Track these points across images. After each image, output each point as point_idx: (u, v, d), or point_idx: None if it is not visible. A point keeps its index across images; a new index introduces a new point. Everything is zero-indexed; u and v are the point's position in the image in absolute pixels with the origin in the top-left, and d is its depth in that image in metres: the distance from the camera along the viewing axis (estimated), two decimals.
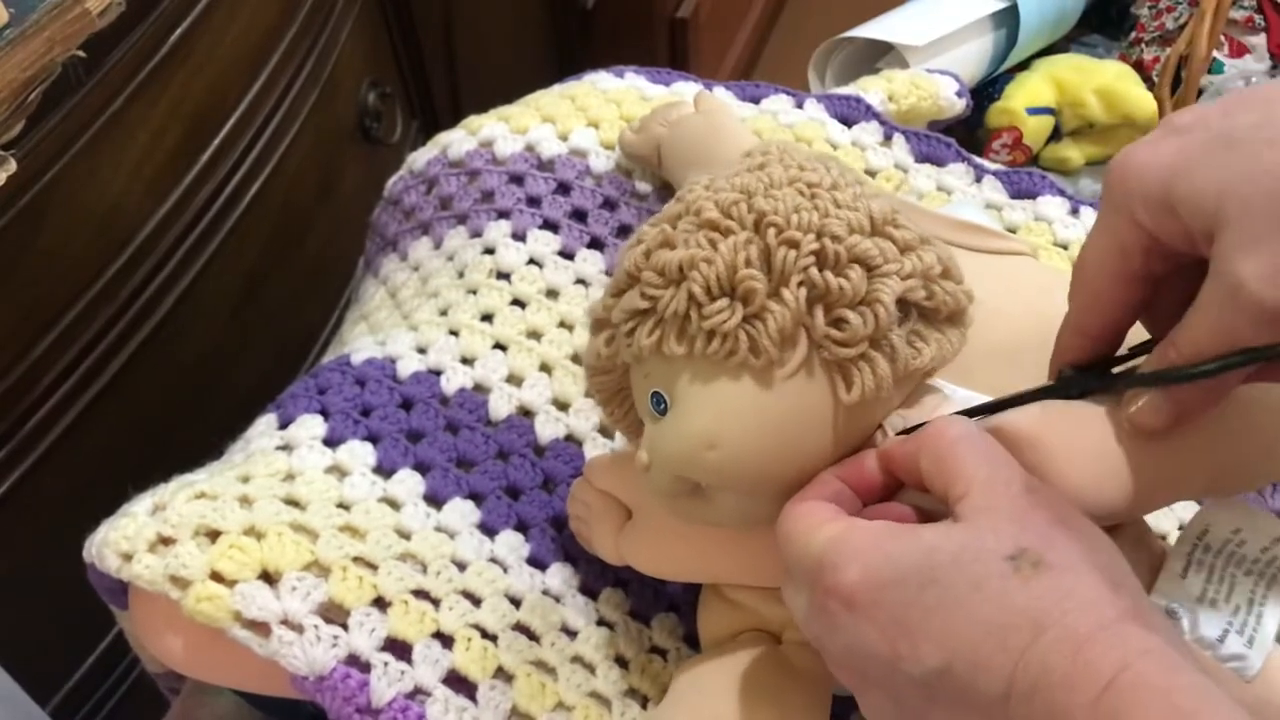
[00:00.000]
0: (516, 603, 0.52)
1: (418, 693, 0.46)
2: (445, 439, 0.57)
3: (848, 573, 0.34)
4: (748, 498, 0.41)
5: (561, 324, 0.62)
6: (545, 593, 0.53)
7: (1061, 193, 0.68)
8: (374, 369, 0.60)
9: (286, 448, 0.55)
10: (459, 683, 0.48)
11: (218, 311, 0.84)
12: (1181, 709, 0.29)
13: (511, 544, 0.54)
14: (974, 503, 0.34)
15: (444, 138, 0.74)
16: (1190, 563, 0.37)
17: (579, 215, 0.68)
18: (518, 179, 0.69)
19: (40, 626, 0.74)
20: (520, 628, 0.51)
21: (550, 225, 0.67)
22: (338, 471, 0.55)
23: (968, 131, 1.04)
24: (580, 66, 0.79)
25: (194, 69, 0.75)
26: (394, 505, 0.54)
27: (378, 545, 0.50)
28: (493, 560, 0.53)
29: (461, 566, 0.52)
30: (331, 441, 0.56)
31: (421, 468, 0.56)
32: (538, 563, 0.54)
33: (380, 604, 0.48)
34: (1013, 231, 0.66)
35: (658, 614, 0.54)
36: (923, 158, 0.70)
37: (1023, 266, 0.55)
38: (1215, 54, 1.02)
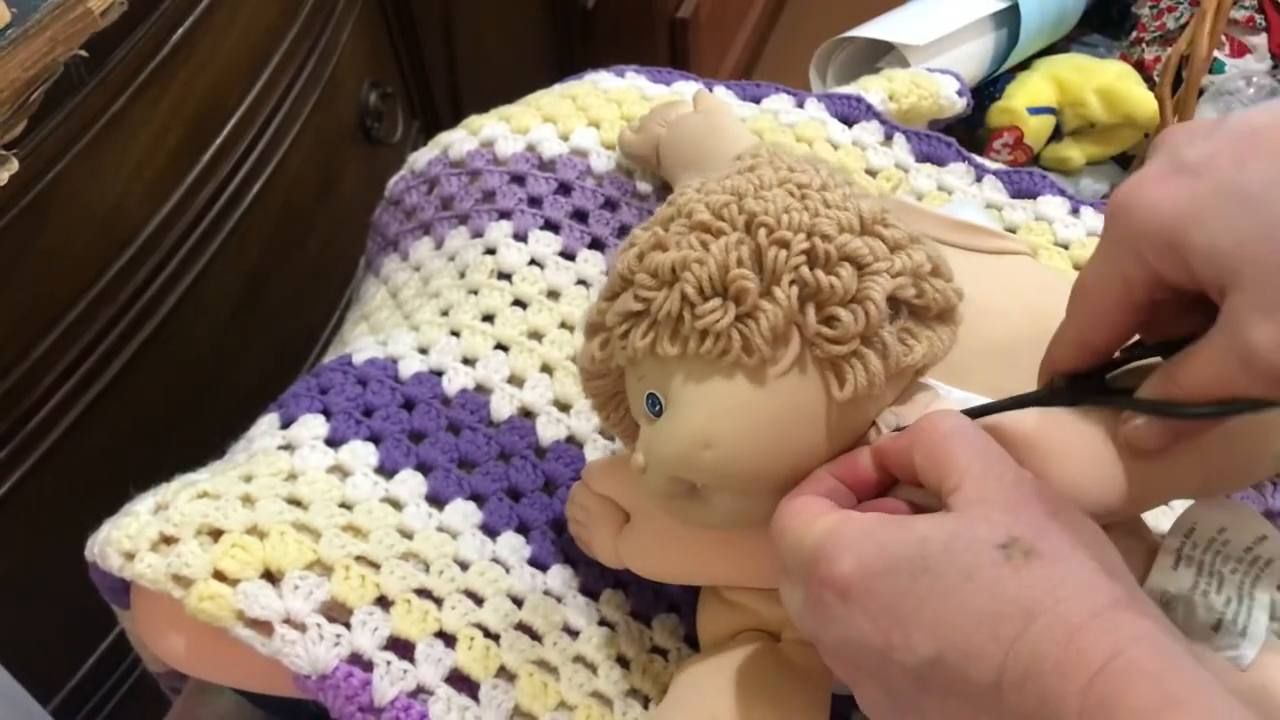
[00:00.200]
0: (519, 602, 0.52)
1: (420, 692, 0.46)
2: (447, 440, 0.57)
3: (841, 563, 0.35)
4: (743, 497, 0.41)
5: (563, 325, 0.62)
6: (547, 593, 0.53)
7: (1062, 192, 0.68)
8: (376, 369, 0.60)
9: (289, 447, 0.55)
10: (461, 682, 0.48)
11: (218, 311, 0.84)
12: (1173, 695, 0.29)
13: (513, 545, 0.54)
14: (967, 494, 0.35)
15: (445, 138, 0.74)
16: (1180, 557, 0.38)
17: (580, 216, 0.68)
18: (519, 179, 0.69)
19: (41, 626, 0.74)
20: (522, 627, 0.51)
21: (551, 226, 0.67)
22: (340, 471, 0.55)
23: (969, 131, 1.04)
24: (581, 66, 0.80)
25: (196, 69, 0.75)
26: (396, 505, 0.54)
27: (380, 545, 0.50)
28: (495, 560, 0.53)
29: (464, 566, 0.52)
30: (334, 441, 0.56)
31: (423, 468, 0.56)
32: (539, 564, 0.54)
33: (383, 603, 0.48)
34: (1013, 231, 0.66)
35: (658, 614, 0.54)
36: (923, 157, 0.70)
37: (1021, 266, 0.55)
38: (1216, 54, 1.02)
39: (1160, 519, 0.45)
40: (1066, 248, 0.65)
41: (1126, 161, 1.07)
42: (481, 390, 0.59)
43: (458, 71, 1.20)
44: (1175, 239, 0.33)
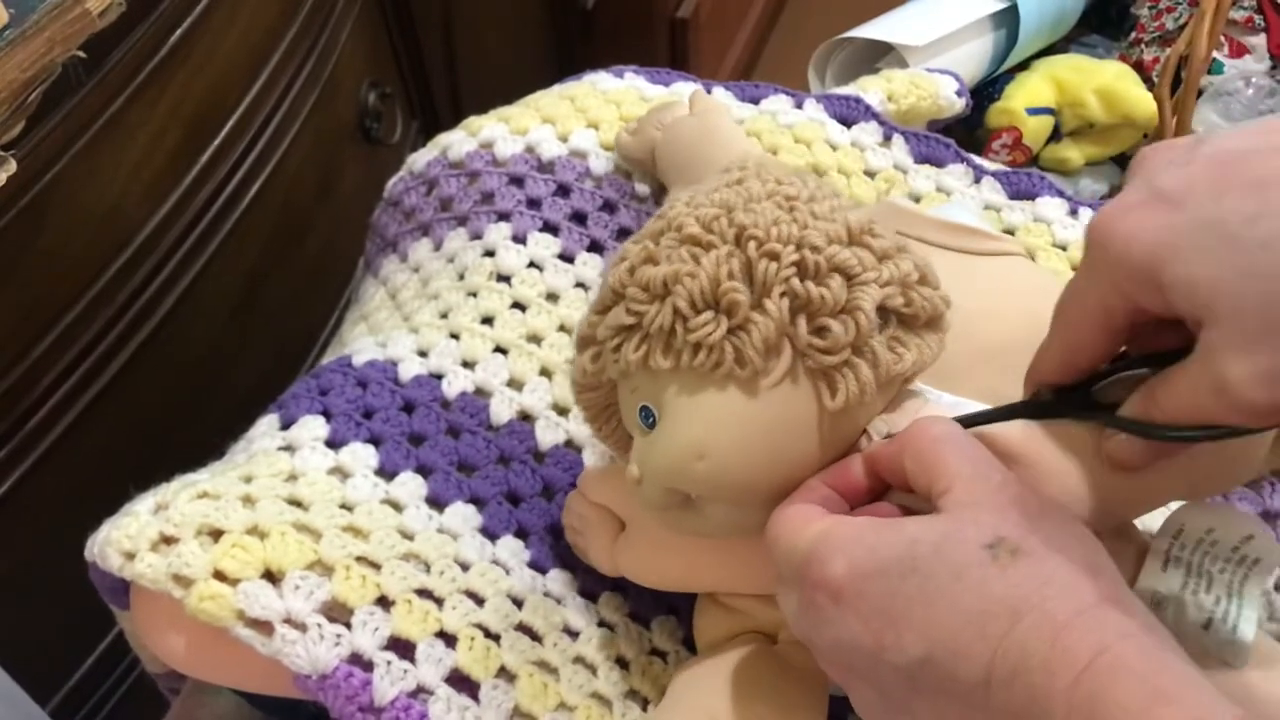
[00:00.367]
0: (519, 603, 0.52)
1: (420, 692, 0.46)
2: (447, 443, 0.57)
3: (833, 565, 0.35)
4: (738, 507, 0.41)
5: (561, 328, 0.62)
6: (547, 594, 0.53)
7: (1060, 193, 0.68)
8: (376, 371, 0.60)
9: (289, 448, 0.55)
10: (461, 682, 0.48)
11: (218, 311, 0.84)
12: (1160, 690, 0.29)
13: (512, 549, 0.55)
14: (956, 497, 0.35)
15: (444, 139, 0.74)
16: (1169, 559, 0.38)
17: (579, 218, 0.68)
18: (518, 180, 0.69)
19: (40, 626, 0.74)
20: (523, 628, 0.51)
21: (550, 228, 0.67)
22: (340, 473, 0.55)
23: (968, 131, 1.04)
24: (580, 66, 0.80)
25: (194, 69, 0.75)
26: (396, 507, 0.54)
27: (381, 545, 0.50)
28: (495, 562, 0.53)
29: (465, 567, 0.52)
30: (334, 443, 0.56)
31: (423, 470, 0.56)
32: (538, 567, 0.54)
33: (383, 603, 0.48)
34: (1011, 233, 0.66)
35: (657, 616, 0.54)
36: (922, 158, 0.70)
37: (1015, 267, 0.55)
38: (1215, 54, 1.02)
39: (1152, 518, 0.45)
40: (1065, 249, 0.65)
41: (1125, 162, 1.08)
42: (481, 393, 0.59)
43: (458, 71, 1.20)
44: (1152, 272, 0.33)
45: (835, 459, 0.40)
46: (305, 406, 0.58)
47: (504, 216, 0.67)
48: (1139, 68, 1.06)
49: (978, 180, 0.69)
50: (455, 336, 0.62)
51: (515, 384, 0.60)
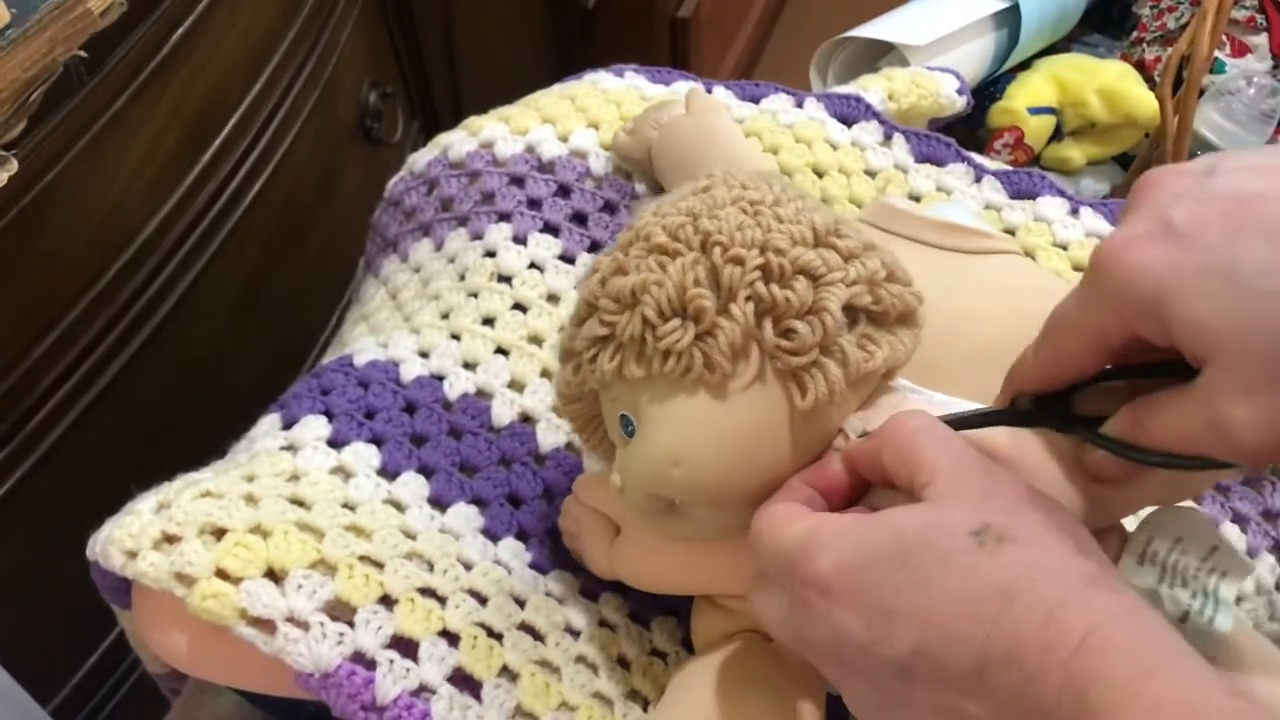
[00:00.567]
0: (521, 603, 0.52)
1: (423, 690, 0.46)
2: (449, 444, 0.57)
3: (822, 561, 0.35)
4: (720, 510, 0.41)
5: (562, 329, 0.62)
6: (548, 594, 0.53)
7: (1061, 193, 0.68)
8: (377, 372, 0.60)
9: (291, 448, 0.55)
10: (464, 681, 0.48)
11: (218, 312, 0.84)
12: (1152, 667, 0.29)
13: (513, 550, 0.55)
14: (938, 487, 0.35)
15: (444, 138, 0.74)
16: (1144, 557, 0.38)
17: (579, 218, 0.68)
18: (518, 181, 0.69)
19: (40, 626, 0.74)
20: (525, 627, 0.51)
21: (551, 229, 0.67)
22: (342, 473, 0.55)
23: (969, 131, 1.05)
24: (581, 66, 0.79)
25: (195, 69, 0.75)
26: (399, 507, 0.54)
27: (384, 544, 0.50)
28: (497, 562, 0.53)
29: (467, 566, 0.52)
30: (336, 443, 0.56)
31: (425, 471, 0.56)
32: (539, 569, 0.55)
33: (387, 602, 0.48)
34: (1012, 232, 0.66)
35: (656, 617, 0.54)
36: (922, 158, 0.70)
37: (1010, 266, 0.55)
38: (1217, 54, 1.02)
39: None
40: (1065, 248, 0.65)
41: (1127, 161, 1.08)
42: (482, 395, 0.59)
43: (458, 71, 1.20)
44: (1158, 307, 0.33)
45: (812, 459, 0.41)
46: (307, 406, 0.58)
47: (505, 217, 0.67)
48: (1141, 67, 1.06)
49: (978, 179, 0.69)
50: (456, 337, 0.62)
51: (516, 385, 0.60)
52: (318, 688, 0.45)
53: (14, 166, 0.55)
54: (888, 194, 0.68)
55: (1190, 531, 0.38)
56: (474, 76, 1.22)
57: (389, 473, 0.55)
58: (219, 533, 0.48)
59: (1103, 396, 0.38)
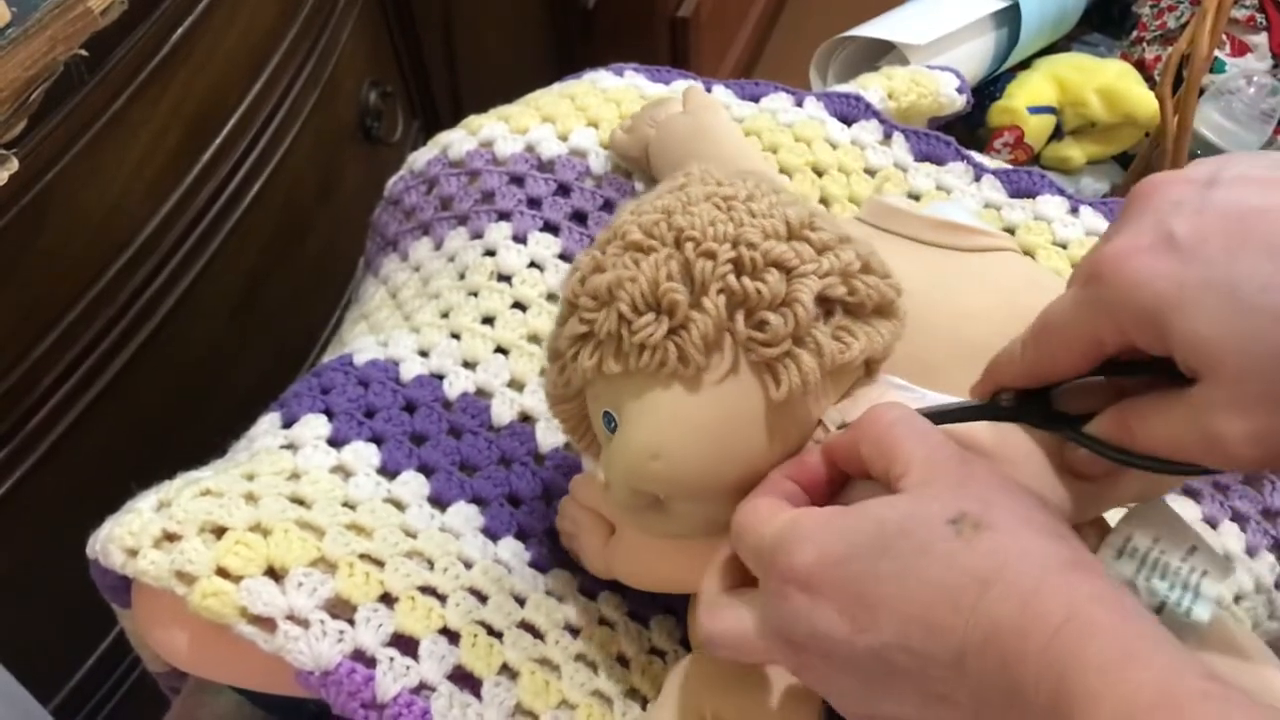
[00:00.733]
0: (521, 601, 0.52)
1: (423, 688, 0.46)
2: (449, 443, 0.57)
3: (803, 554, 0.35)
4: (703, 505, 0.42)
5: None
6: (548, 593, 0.53)
7: (1061, 192, 0.68)
8: (377, 371, 0.60)
9: (291, 447, 0.55)
10: (464, 679, 0.48)
11: (218, 311, 0.84)
12: (1131, 650, 0.29)
13: (513, 549, 0.55)
14: (914, 478, 0.35)
15: (444, 138, 0.74)
16: (1122, 552, 0.38)
17: (579, 217, 0.68)
18: (518, 180, 0.69)
19: (40, 626, 0.74)
20: (525, 625, 0.51)
21: (551, 228, 0.67)
22: (342, 471, 0.55)
23: (969, 130, 1.04)
24: (581, 66, 0.79)
25: (195, 68, 0.75)
26: (399, 506, 0.54)
27: (384, 543, 0.50)
28: (497, 561, 0.53)
29: (468, 564, 0.52)
30: (336, 442, 0.56)
31: (425, 470, 0.56)
32: (538, 568, 0.55)
33: (387, 600, 0.48)
34: (1011, 231, 0.66)
35: (655, 616, 0.55)
36: (922, 156, 0.70)
37: (1007, 263, 0.55)
38: (1217, 53, 1.02)
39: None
40: (1065, 247, 0.65)
41: (1127, 161, 1.07)
42: (482, 394, 0.59)
43: (458, 71, 1.20)
44: (1158, 320, 0.33)
45: (791, 451, 0.41)
46: (307, 405, 0.58)
47: (504, 216, 0.67)
48: (1140, 66, 1.06)
49: (978, 178, 0.69)
50: (456, 336, 0.62)
51: (516, 385, 0.60)
52: (318, 686, 0.45)
53: (14, 166, 0.55)
54: (884, 192, 0.68)
55: (1169, 531, 0.38)
56: (474, 76, 1.22)
57: (389, 471, 0.55)
58: (219, 531, 0.48)
59: (1084, 393, 0.38)
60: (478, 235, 0.67)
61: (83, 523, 0.51)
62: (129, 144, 0.71)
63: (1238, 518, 0.58)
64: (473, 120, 0.74)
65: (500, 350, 0.61)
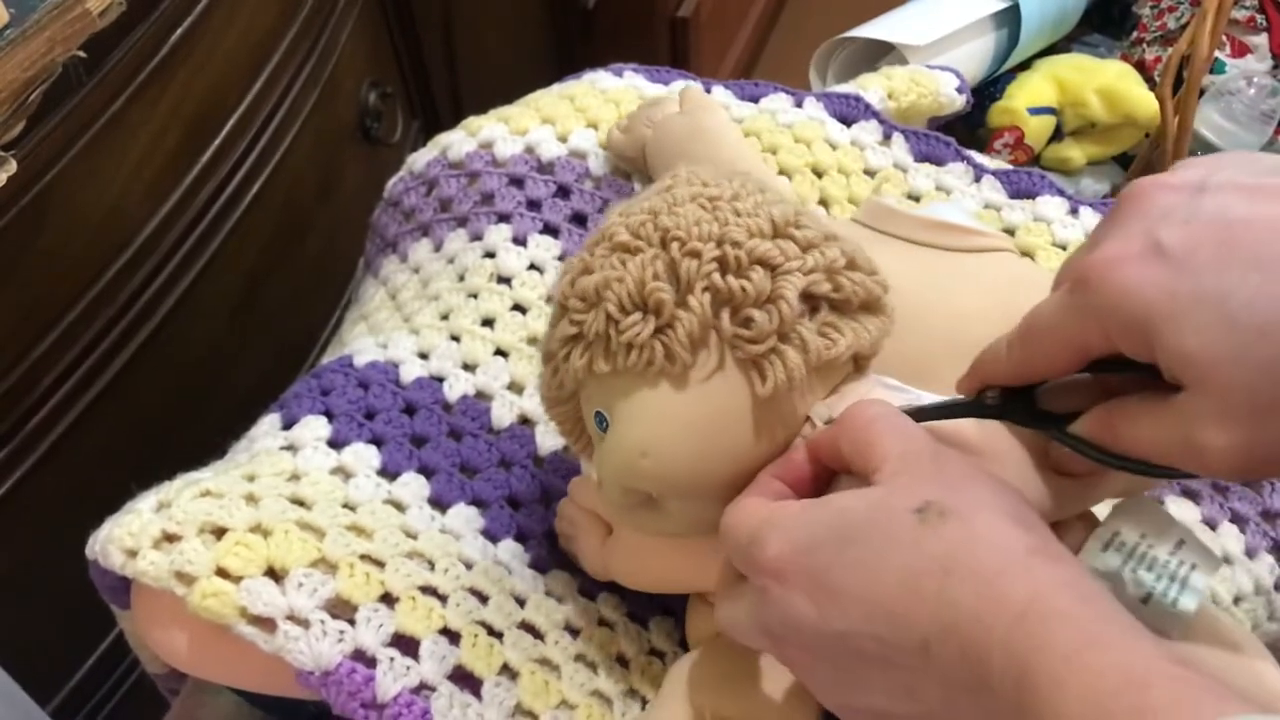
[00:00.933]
0: (521, 602, 0.52)
1: (423, 688, 0.46)
2: (449, 445, 0.57)
3: (771, 547, 0.36)
4: (695, 502, 0.42)
5: None
6: (548, 594, 0.53)
7: (1061, 192, 0.68)
8: (377, 373, 0.60)
9: (291, 448, 0.55)
10: (464, 679, 0.48)
11: (218, 312, 0.84)
12: (1093, 635, 0.29)
13: (513, 551, 0.55)
14: (887, 471, 0.36)
15: (444, 139, 0.74)
16: (1109, 545, 0.38)
17: (579, 219, 0.68)
18: (518, 181, 0.69)
19: (40, 626, 0.74)
20: (525, 626, 0.51)
21: (550, 230, 0.67)
22: (342, 473, 0.55)
23: (970, 131, 1.04)
24: (580, 66, 0.79)
25: (195, 69, 0.75)
26: (399, 507, 0.54)
27: (385, 543, 0.50)
28: (497, 562, 0.53)
29: (468, 565, 0.52)
30: (336, 443, 0.56)
31: (426, 471, 0.56)
32: (538, 569, 0.55)
33: (387, 600, 0.48)
34: (1011, 232, 0.66)
35: (654, 616, 0.55)
36: (922, 157, 0.70)
37: (1003, 263, 0.55)
38: (1217, 54, 1.02)
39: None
40: (1065, 248, 0.65)
41: (1127, 161, 1.07)
42: (482, 397, 0.60)
43: (458, 71, 1.20)
44: (1147, 330, 0.33)
45: (779, 447, 0.41)
46: (307, 407, 0.58)
47: (504, 218, 0.67)
48: (1141, 67, 1.06)
49: (978, 179, 0.69)
50: (456, 339, 0.62)
51: (516, 387, 0.60)
52: (318, 685, 0.45)
53: (13, 167, 0.55)
54: (884, 193, 0.68)
55: (1157, 526, 0.38)
56: (474, 76, 1.22)
57: (389, 473, 0.55)
58: (219, 532, 0.48)
59: (1069, 392, 0.38)
60: (477, 237, 0.67)
61: (83, 523, 0.51)
62: (128, 145, 0.71)
63: (1237, 519, 0.58)
64: (472, 121, 0.74)
65: (500, 353, 0.61)
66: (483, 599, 0.51)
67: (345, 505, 0.52)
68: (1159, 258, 0.33)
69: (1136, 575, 0.37)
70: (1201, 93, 0.95)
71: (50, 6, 0.57)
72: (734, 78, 0.77)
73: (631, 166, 0.69)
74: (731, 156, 0.64)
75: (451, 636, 0.48)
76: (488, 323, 0.63)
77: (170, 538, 0.48)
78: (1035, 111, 1.02)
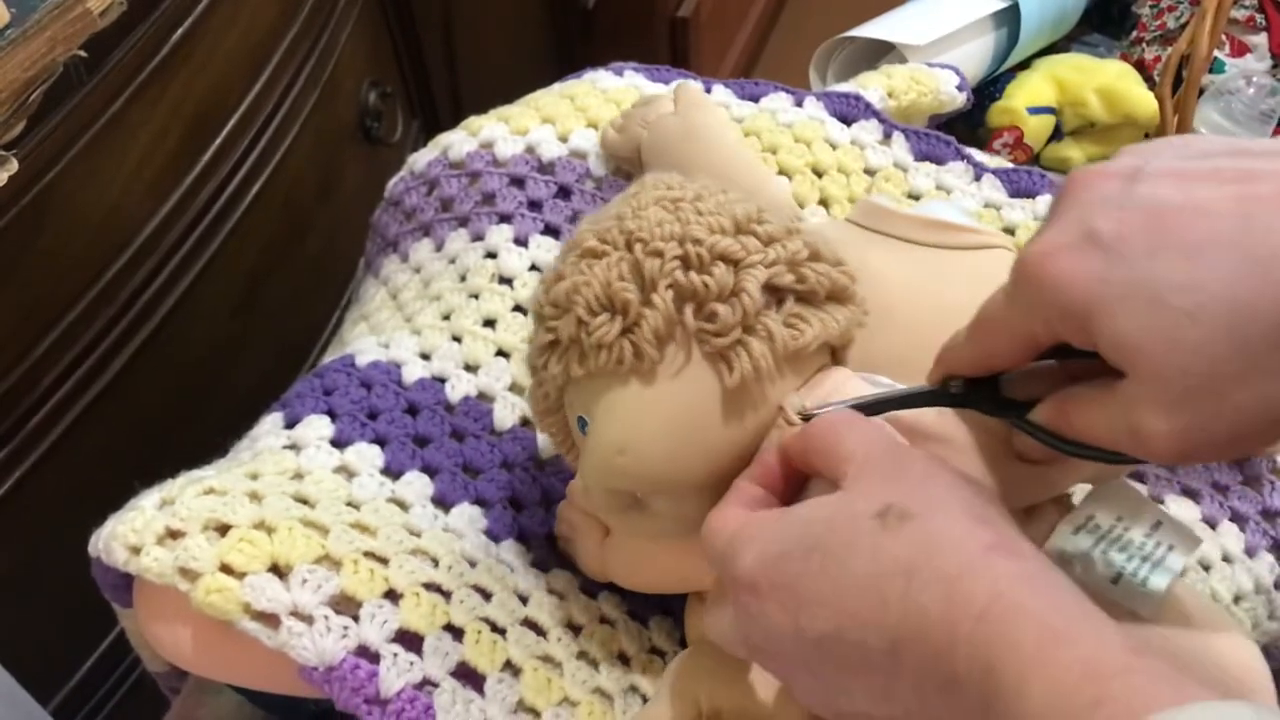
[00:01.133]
0: (524, 599, 0.52)
1: (426, 684, 0.46)
2: (451, 445, 0.57)
3: (744, 559, 0.36)
4: (677, 500, 0.43)
5: None
6: (550, 592, 0.53)
7: None
8: (379, 373, 0.60)
9: (294, 447, 0.55)
10: (467, 675, 0.48)
11: (218, 311, 0.84)
12: (1056, 629, 0.29)
13: (515, 550, 0.55)
14: (851, 475, 0.36)
15: (444, 139, 0.74)
16: (1081, 528, 0.39)
17: (580, 220, 0.68)
18: (518, 181, 0.69)
19: (40, 626, 0.74)
20: (528, 623, 0.51)
21: (552, 230, 0.67)
22: (345, 472, 0.55)
23: (969, 130, 1.04)
24: (580, 66, 0.79)
25: (195, 69, 0.75)
26: (402, 506, 0.54)
27: (388, 541, 0.50)
28: (500, 560, 0.53)
29: (471, 563, 0.52)
30: (339, 443, 0.56)
31: (429, 471, 0.56)
32: (540, 567, 0.55)
33: (392, 596, 0.48)
34: (1011, 231, 0.66)
35: (654, 615, 0.55)
36: (922, 156, 0.70)
37: (996, 260, 0.55)
38: (1216, 53, 1.02)
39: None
40: None
41: None
42: (484, 398, 0.60)
43: (458, 71, 1.20)
44: (1085, 320, 0.34)
45: (753, 438, 0.42)
46: (310, 406, 0.58)
47: (505, 218, 0.67)
48: (1140, 67, 1.06)
49: (978, 178, 0.69)
50: (458, 339, 0.62)
51: (517, 389, 0.60)
52: (321, 681, 0.45)
53: (14, 166, 0.55)
54: (884, 192, 0.68)
55: (1132, 509, 0.38)
56: (474, 76, 1.22)
57: (393, 472, 0.56)
58: (223, 528, 0.48)
59: (1032, 379, 0.38)
60: (479, 237, 0.67)
61: (83, 522, 0.51)
62: (128, 144, 0.71)
63: (1237, 518, 0.58)
64: (473, 121, 0.74)
65: (501, 353, 0.61)
66: (486, 596, 0.51)
67: (349, 504, 0.52)
68: (1092, 246, 0.34)
69: (1107, 556, 0.37)
70: (1201, 92, 0.95)
71: (51, 6, 0.57)
72: (734, 77, 0.77)
73: (628, 166, 0.69)
74: (728, 156, 0.64)
75: (455, 633, 0.48)
76: (489, 323, 0.63)
77: (174, 534, 0.48)
78: (1035, 111, 1.02)
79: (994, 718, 0.29)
